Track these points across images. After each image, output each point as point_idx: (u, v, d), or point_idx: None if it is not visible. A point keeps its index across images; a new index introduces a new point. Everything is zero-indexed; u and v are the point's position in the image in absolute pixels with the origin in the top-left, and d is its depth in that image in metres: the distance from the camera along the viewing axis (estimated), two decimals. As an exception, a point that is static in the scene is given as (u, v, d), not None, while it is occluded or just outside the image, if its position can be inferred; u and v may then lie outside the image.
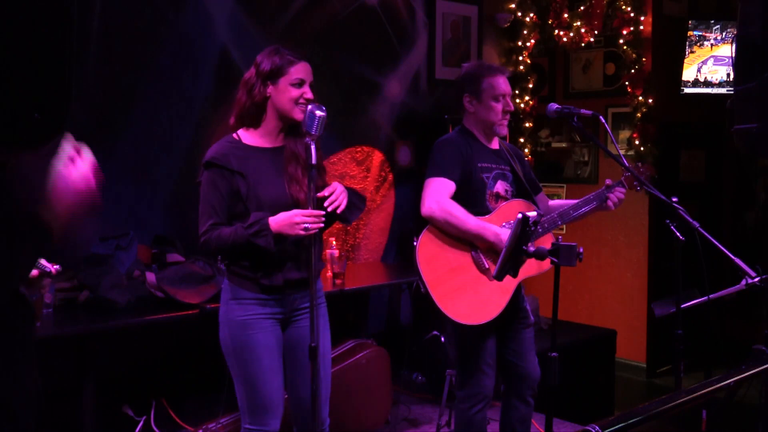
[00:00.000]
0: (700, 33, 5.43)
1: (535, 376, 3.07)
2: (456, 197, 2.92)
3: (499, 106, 2.99)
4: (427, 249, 2.90)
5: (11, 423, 1.38)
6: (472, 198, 2.95)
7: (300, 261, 2.59)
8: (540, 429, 4.02)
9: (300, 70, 2.58)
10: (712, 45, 5.45)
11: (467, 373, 3.00)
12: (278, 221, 2.46)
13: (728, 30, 5.37)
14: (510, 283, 2.86)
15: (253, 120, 2.62)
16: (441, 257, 2.90)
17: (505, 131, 3.08)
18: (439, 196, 2.89)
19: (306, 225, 2.44)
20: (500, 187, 3.02)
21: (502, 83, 3.00)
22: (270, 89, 2.58)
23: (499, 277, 2.53)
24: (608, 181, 3.01)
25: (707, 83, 5.46)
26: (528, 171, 3.19)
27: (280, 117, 2.59)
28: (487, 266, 2.92)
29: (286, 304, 2.62)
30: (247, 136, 2.63)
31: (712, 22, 5.42)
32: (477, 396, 2.97)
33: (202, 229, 2.52)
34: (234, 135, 2.64)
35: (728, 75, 5.41)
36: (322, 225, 2.48)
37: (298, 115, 2.56)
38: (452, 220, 2.86)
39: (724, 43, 5.43)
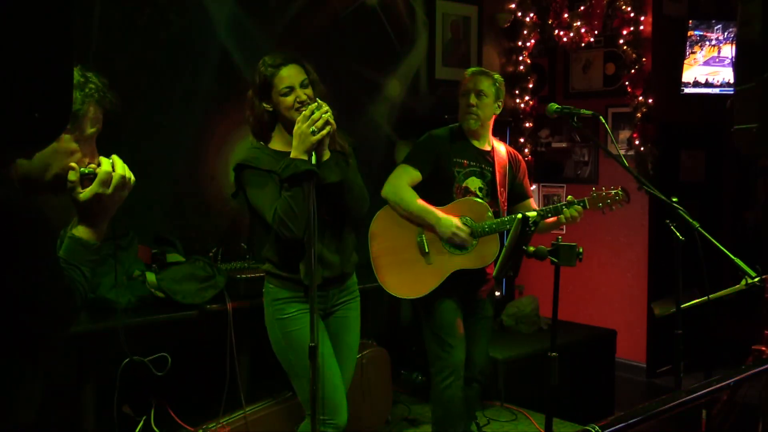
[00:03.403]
0: (701, 33, 5.42)
1: (481, 362, 3.32)
2: (425, 185, 3.19)
3: (464, 101, 3.23)
4: (379, 225, 3.23)
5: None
6: (439, 188, 3.20)
7: (337, 260, 2.70)
8: (540, 429, 4.02)
9: (283, 78, 2.60)
10: (713, 45, 5.45)
11: (435, 349, 3.24)
12: (295, 147, 2.48)
13: (729, 30, 5.37)
14: (445, 270, 3.15)
15: (266, 133, 2.71)
16: (389, 234, 3.20)
17: (470, 125, 3.23)
18: (397, 180, 3.19)
19: (312, 128, 2.44)
20: (472, 183, 3.21)
21: (468, 81, 3.25)
22: (268, 103, 2.64)
23: (499, 276, 2.60)
24: (569, 197, 3.17)
25: (708, 84, 5.46)
26: (520, 178, 3.36)
27: (290, 123, 2.63)
28: (427, 251, 3.19)
29: (326, 299, 2.73)
30: (272, 143, 2.71)
31: (713, 22, 5.41)
32: (445, 369, 3.18)
33: (270, 219, 2.54)
34: (260, 142, 2.72)
35: (730, 77, 5.41)
36: (327, 118, 2.46)
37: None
38: (400, 201, 3.16)
39: (725, 43, 5.43)
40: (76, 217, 1.59)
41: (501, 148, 3.33)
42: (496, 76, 3.27)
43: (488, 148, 3.28)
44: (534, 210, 3.22)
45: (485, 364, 3.39)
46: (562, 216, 3.09)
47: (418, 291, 3.19)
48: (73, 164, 1.54)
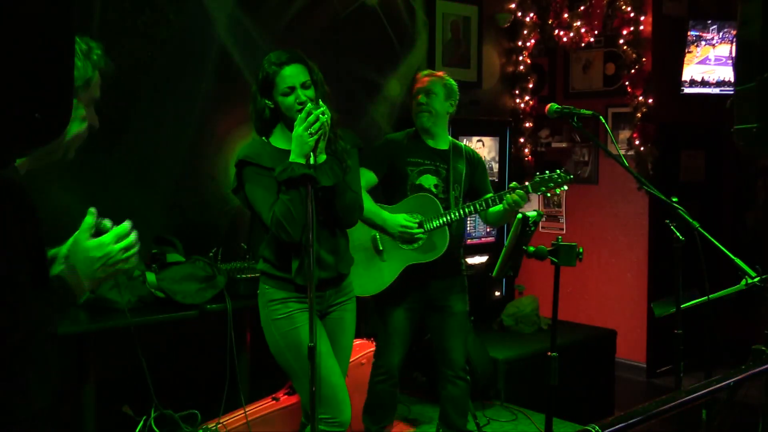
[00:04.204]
0: (697, 33, 5.44)
1: (460, 360, 3.40)
2: (382, 184, 3.37)
3: (414, 101, 3.38)
4: None
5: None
6: (393, 187, 3.36)
7: (332, 260, 2.69)
8: (540, 429, 4.02)
9: (284, 78, 2.59)
10: (709, 45, 5.45)
11: (378, 346, 3.43)
12: (293, 150, 2.50)
13: (725, 30, 5.39)
14: (398, 265, 3.27)
15: (268, 129, 2.71)
16: (350, 234, 3.32)
17: (423, 122, 3.36)
18: None
19: (309, 130, 2.45)
20: (426, 180, 3.33)
21: (418, 82, 3.41)
22: (270, 100, 2.64)
23: (499, 276, 2.60)
24: (513, 184, 3.24)
25: (704, 82, 5.46)
26: (479, 175, 3.47)
27: (291, 123, 2.63)
28: (381, 248, 3.32)
29: (322, 300, 2.72)
30: (274, 139, 2.71)
31: (709, 22, 5.43)
32: (381, 368, 3.38)
33: (268, 220, 2.55)
34: (262, 138, 2.73)
35: (726, 75, 5.42)
36: (323, 120, 2.48)
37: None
38: None
39: (722, 43, 5.44)
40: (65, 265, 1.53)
41: (459, 147, 3.45)
42: (447, 77, 3.42)
43: (445, 147, 3.40)
44: (487, 197, 3.31)
45: (466, 360, 3.43)
46: (504, 202, 3.18)
47: (375, 288, 3.31)
48: (91, 209, 1.57)
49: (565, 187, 3.23)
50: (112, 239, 1.57)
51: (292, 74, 2.58)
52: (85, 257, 1.54)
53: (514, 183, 3.23)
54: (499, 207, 3.23)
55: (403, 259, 3.28)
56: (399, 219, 3.22)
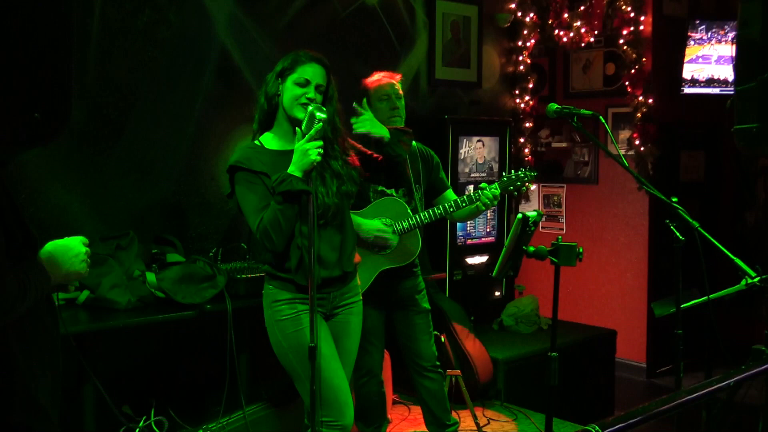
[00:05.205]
0: (687, 34, 5.48)
1: (428, 354, 3.39)
2: None
3: (386, 105, 3.33)
4: None
5: (42, 419, 1.41)
6: (357, 193, 3.27)
7: (336, 260, 2.67)
8: (540, 429, 4.02)
9: (308, 71, 2.63)
10: (698, 44, 5.48)
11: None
12: (294, 162, 2.51)
13: (713, 30, 5.43)
14: (373, 270, 3.23)
15: (269, 120, 2.71)
16: None
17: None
18: None
19: (317, 150, 2.47)
20: (387, 185, 3.31)
21: (386, 86, 3.35)
22: (280, 87, 2.65)
23: (499, 276, 2.60)
24: (483, 184, 3.26)
25: (694, 80, 5.49)
26: (435, 172, 3.46)
27: (288, 117, 2.65)
28: None
29: (326, 302, 2.70)
30: (267, 141, 2.71)
31: (697, 22, 5.46)
32: (362, 369, 3.30)
33: (254, 225, 2.56)
34: (255, 141, 2.72)
35: (714, 73, 5.47)
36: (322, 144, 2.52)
37: (299, 112, 2.60)
38: None
39: (716, 42, 5.47)
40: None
41: (413, 146, 3.42)
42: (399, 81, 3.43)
43: None
44: (455, 198, 3.31)
45: (432, 354, 3.41)
46: (479, 203, 3.19)
47: None
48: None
49: (533, 186, 3.27)
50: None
51: (315, 72, 2.64)
52: (77, 252, 1.68)
53: (483, 183, 3.25)
54: (471, 207, 3.23)
55: (377, 264, 3.26)
56: (376, 224, 3.21)
